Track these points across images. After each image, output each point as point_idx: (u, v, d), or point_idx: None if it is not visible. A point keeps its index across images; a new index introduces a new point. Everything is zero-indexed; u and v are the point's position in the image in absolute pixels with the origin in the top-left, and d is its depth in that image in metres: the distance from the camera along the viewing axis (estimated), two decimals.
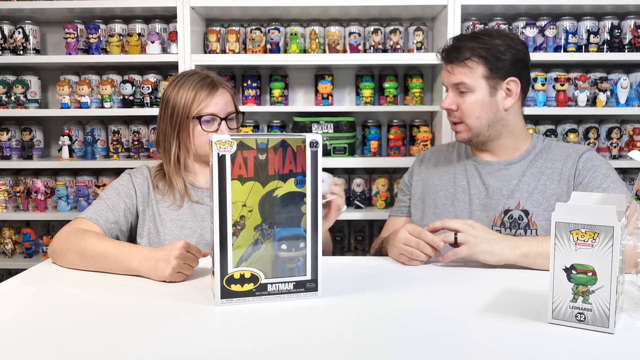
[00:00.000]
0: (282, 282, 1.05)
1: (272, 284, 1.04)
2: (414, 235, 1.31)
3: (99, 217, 1.41)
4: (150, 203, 1.50)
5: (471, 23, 2.28)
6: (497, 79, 1.44)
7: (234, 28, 2.31)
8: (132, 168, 1.57)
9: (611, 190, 1.38)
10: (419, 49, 2.31)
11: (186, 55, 2.18)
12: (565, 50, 2.25)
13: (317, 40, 2.33)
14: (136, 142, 2.38)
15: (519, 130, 1.52)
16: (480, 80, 1.43)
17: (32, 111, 2.35)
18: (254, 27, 2.33)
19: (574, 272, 0.90)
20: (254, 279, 1.03)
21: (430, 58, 2.27)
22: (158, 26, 2.34)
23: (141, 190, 1.50)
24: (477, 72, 1.43)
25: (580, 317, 0.91)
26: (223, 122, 1.48)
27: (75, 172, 2.43)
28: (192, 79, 1.49)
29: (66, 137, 2.35)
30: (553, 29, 2.24)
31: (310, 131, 2.28)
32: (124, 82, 2.34)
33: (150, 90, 2.30)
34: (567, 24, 2.26)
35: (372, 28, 2.33)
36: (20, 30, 2.31)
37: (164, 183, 1.51)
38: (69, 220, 1.42)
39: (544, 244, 1.25)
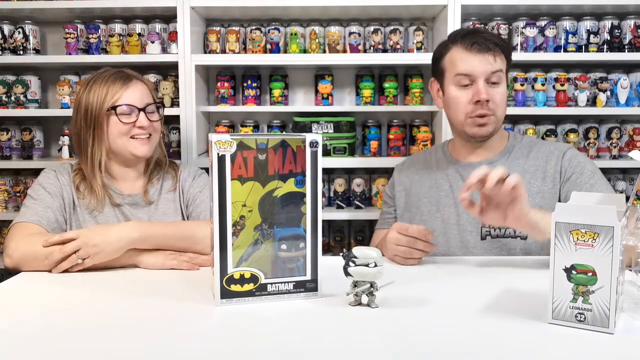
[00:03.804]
0: (282, 282, 1.05)
1: (272, 284, 1.04)
2: (402, 233, 1.30)
3: (40, 219, 1.37)
4: (75, 207, 1.47)
5: (471, 23, 2.28)
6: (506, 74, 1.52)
7: (234, 28, 2.31)
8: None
9: (598, 187, 1.41)
10: (419, 49, 2.31)
11: (186, 55, 2.18)
12: (565, 50, 2.25)
13: (317, 40, 2.32)
14: None
15: (501, 127, 1.58)
16: (504, 73, 1.49)
17: (32, 111, 2.35)
18: (254, 27, 2.33)
19: (574, 272, 0.90)
20: (253, 279, 1.03)
21: (430, 58, 2.27)
22: (158, 26, 2.34)
23: (67, 191, 1.47)
24: (505, 64, 1.48)
25: (580, 317, 0.91)
26: (142, 113, 1.47)
27: None
28: (103, 77, 1.49)
29: (66, 137, 2.35)
30: (553, 29, 2.24)
31: (310, 131, 2.28)
32: None
33: (150, 87, 2.29)
34: (567, 24, 2.26)
35: (372, 28, 2.33)
36: (20, 30, 2.31)
37: (84, 184, 1.49)
38: None
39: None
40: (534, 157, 1.51)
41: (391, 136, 2.38)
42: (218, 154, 0.99)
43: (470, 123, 1.48)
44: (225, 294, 1.02)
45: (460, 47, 1.46)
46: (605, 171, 2.36)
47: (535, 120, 2.36)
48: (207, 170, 1.32)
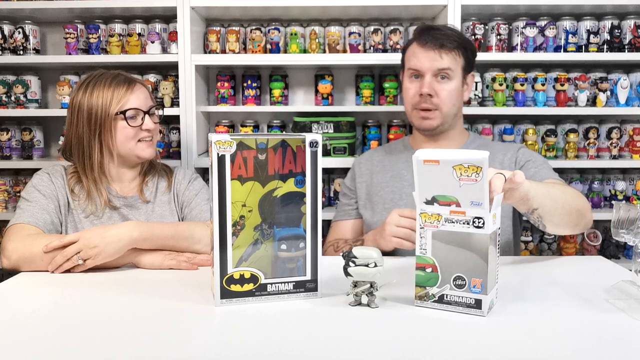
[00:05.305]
0: (281, 282, 1.05)
1: (271, 284, 1.04)
2: (404, 216, 1.30)
3: (37, 220, 1.37)
4: (70, 210, 1.46)
5: (471, 23, 2.27)
6: (466, 72, 1.57)
7: (234, 28, 2.31)
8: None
9: (544, 173, 1.49)
10: None
11: (186, 55, 2.18)
12: (565, 50, 2.25)
13: (317, 40, 2.33)
14: None
15: (461, 124, 1.65)
16: (459, 70, 1.55)
17: (32, 111, 2.35)
18: (254, 27, 2.33)
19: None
20: (253, 279, 1.03)
21: None
22: (158, 26, 2.34)
23: (62, 194, 1.46)
24: (459, 62, 1.55)
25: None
26: (146, 116, 1.49)
27: None
28: (103, 79, 1.48)
29: None
30: (553, 29, 2.24)
31: (310, 131, 2.28)
32: None
33: (150, 90, 2.30)
34: (567, 24, 2.26)
35: (372, 28, 2.33)
36: (20, 30, 2.31)
37: (80, 187, 1.48)
38: None
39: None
40: (492, 152, 1.57)
41: (391, 136, 2.38)
42: (218, 154, 0.99)
43: (415, 115, 1.58)
44: (225, 294, 1.02)
45: (416, 42, 1.57)
46: (605, 171, 2.38)
47: (535, 120, 2.36)
48: (207, 170, 1.32)
